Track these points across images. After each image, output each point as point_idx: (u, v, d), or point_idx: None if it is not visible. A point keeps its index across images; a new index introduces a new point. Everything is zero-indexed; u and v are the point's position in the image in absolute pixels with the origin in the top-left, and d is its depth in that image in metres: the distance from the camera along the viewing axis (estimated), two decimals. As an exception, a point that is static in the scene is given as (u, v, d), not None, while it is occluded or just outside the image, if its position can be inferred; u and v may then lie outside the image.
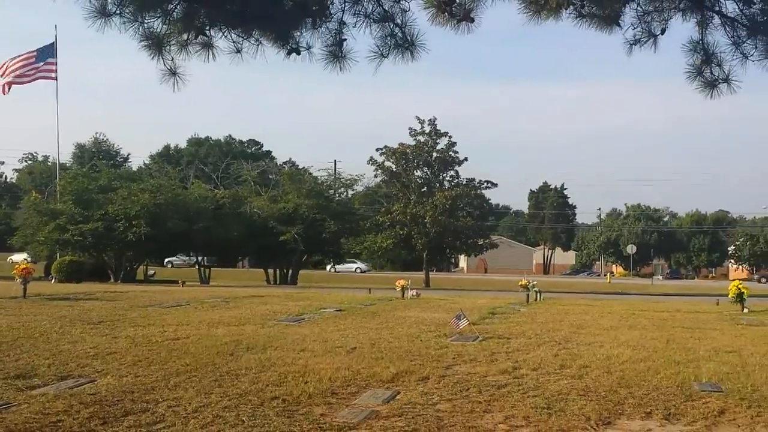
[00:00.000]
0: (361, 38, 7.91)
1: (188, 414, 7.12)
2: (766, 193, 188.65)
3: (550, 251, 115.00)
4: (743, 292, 22.21)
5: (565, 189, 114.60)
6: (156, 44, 7.58)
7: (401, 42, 8.10)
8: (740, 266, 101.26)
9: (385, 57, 8.10)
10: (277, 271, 50.65)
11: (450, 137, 49.34)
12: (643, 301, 28.02)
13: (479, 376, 9.56)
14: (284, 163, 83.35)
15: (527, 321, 17.39)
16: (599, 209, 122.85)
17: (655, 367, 10.43)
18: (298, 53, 8.03)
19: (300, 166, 68.47)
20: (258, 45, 7.96)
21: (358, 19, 7.88)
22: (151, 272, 51.92)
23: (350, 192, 57.50)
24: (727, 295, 23.47)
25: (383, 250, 53.50)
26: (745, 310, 21.58)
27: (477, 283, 56.09)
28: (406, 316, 18.15)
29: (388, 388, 8.63)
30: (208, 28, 7.63)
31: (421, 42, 7.99)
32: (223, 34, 7.72)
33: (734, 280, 26.86)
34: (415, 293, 25.96)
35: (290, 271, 50.12)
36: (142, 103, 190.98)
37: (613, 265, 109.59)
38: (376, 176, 52.45)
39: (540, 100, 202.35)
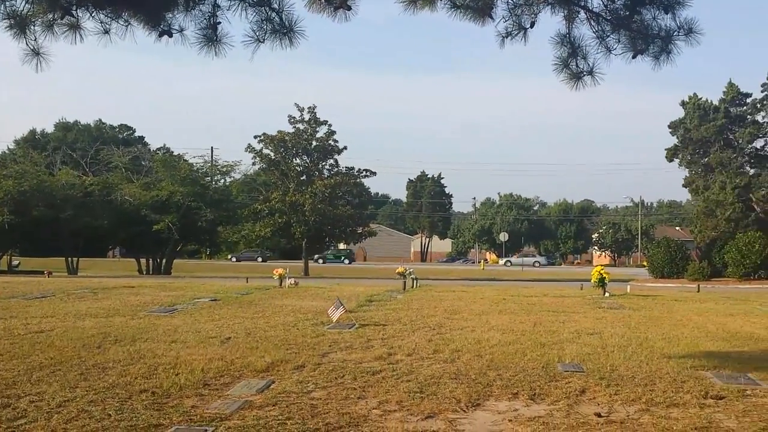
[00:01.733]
0: (237, 23, 7.71)
1: (51, 409, 6.79)
2: (627, 184, 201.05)
3: (427, 239, 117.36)
4: (605, 277, 23.45)
5: (442, 178, 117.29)
6: (19, 24, 7.10)
7: (279, 27, 7.94)
8: (603, 253, 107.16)
9: (262, 42, 7.92)
10: (151, 261, 48.97)
11: (330, 126, 49.26)
12: (513, 287, 29.07)
13: (354, 363, 9.60)
14: (158, 149, 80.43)
15: (403, 308, 17.65)
16: (474, 198, 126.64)
17: (523, 349, 10.83)
18: (170, 36, 7.72)
19: (175, 153, 66.24)
20: (127, 26, 7.60)
21: (233, 2, 7.67)
22: (15, 262, 49.02)
23: (228, 179, 56.35)
24: (590, 280, 24.68)
25: (261, 239, 52.77)
26: (606, 294, 22.81)
27: (356, 271, 56.49)
28: (283, 304, 18.00)
29: (263, 378, 8.51)
30: (74, 8, 7.20)
31: (300, 28, 7.85)
32: (91, 14, 7.31)
33: (596, 265, 28.36)
34: (293, 282, 25.78)
35: (164, 261, 48.58)
36: (4, 85, 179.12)
37: (488, 252, 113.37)
38: (254, 164, 51.65)
39: (420, 90, 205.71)
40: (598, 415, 7.05)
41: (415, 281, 27.20)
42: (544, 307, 18.49)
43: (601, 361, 9.93)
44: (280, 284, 25.28)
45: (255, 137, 48.74)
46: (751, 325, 14.76)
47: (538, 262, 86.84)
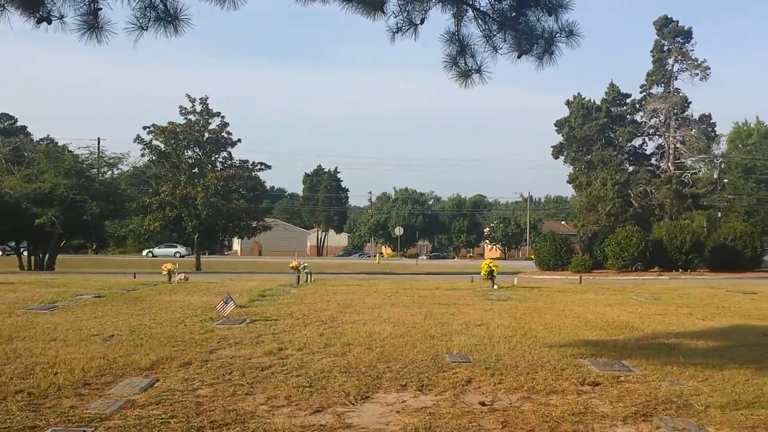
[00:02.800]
0: (120, 9, 7.45)
1: None
2: (517, 180, 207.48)
3: (323, 233, 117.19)
4: (493, 270, 24.15)
5: (339, 173, 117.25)
6: None
7: (163, 15, 7.72)
8: (494, 246, 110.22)
9: (145, 30, 7.68)
10: (33, 257, 46.60)
11: (223, 117, 48.23)
12: (408, 280, 29.46)
13: (243, 358, 9.48)
14: (41, 139, 76.44)
15: (296, 302, 17.56)
16: (370, 193, 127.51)
17: (413, 341, 11.00)
18: (49, 22, 7.37)
19: (59, 144, 63.20)
20: (2, 11, 7.22)
21: (115, -12, 7.41)
22: None
23: (116, 172, 54.31)
24: (480, 273, 25.33)
25: (150, 233, 51.18)
26: (495, 287, 23.48)
27: (250, 265, 55.69)
28: (171, 300, 17.54)
29: (147, 376, 8.27)
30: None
31: (186, 16, 7.66)
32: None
33: (486, 258, 29.15)
34: (182, 277, 25.17)
35: (47, 256, 46.34)
36: None
37: (383, 246, 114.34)
38: (143, 155, 49.95)
39: (315, 84, 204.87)
40: (483, 403, 7.25)
41: (309, 275, 27.10)
42: (436, 299, 18.83)
43: (487, 351, 10.21)
44: (169, 279, 24.63)
45: (144, 128, 47.19)
46: (627, 315, 15.55)
47: (429, 256, 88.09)
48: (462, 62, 8.25)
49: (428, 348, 10.40)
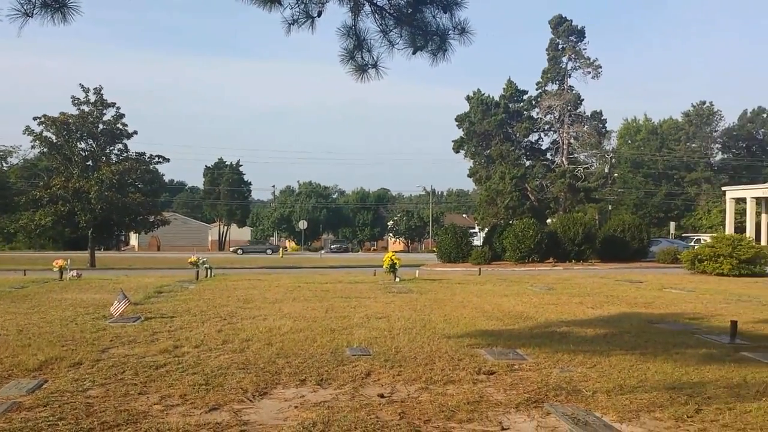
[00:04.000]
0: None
1: None
2: (419, 173, 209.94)
3: (225, 227, 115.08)
4: (395, 263, 24.39)
5: (241, 165, 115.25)
6: None
7: (50, 1, 7.39)
8: (398, 239, 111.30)
9: (30, 17, 7.33)
10: None
11: (118, 108, 46.49)
12: (310, 274, 29.37)
13: (137, 357, 9.21)
14: None
15: (194, 298, 17.21)
16: (274, 186, 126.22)
17: (313, 336, 10.98)
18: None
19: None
20: None
21: (-6, -28, 7.05)
22: None
23: (5, 165, 51.57)
24: (382, 266, 25.53)
25: (42, 229, 48.86)
26: (397, 279, 23.73)
27: (148, 261, 54.09)
28: (62, 298, 16.85)
29: (35, 378, 7.93)
30: None
31: (75, 3, 7.36)
32: None
33: (389, 251, 29.40)
34: (75, 274, 24.20)
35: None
36: None
37: (287, 240, 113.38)
38: (33, 147, 47.61)
39: (217, 75, 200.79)
40: (381, 396, 7.32)
41: (209, 271, 26.61)
42: (338, 293, 18.86)
43: (387, 343, 10.31)
44: (61, 277, 23.64)
45: (34, 119, 44.96)
46: (523, 305, 16.04)
47: (330, 250, 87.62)
48: (359, 56, 8.28)
49: (328, 342, 10.41)
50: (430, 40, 7.92)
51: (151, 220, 49.02)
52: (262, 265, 46.43)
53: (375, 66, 8.29)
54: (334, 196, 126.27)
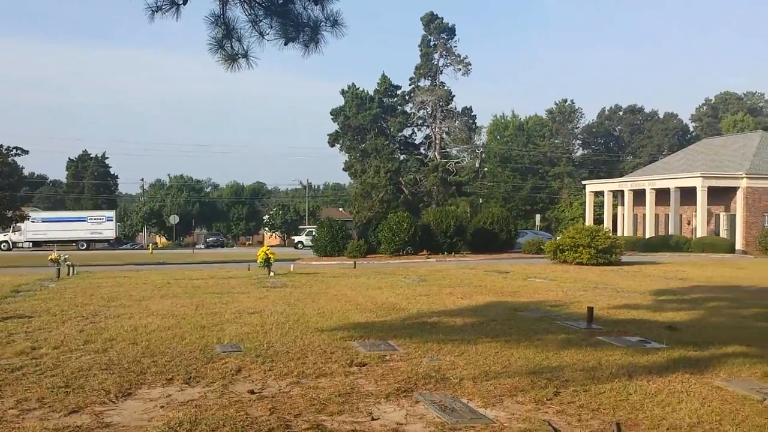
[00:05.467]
0: None
1: None
2: (296, 167, 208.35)
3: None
4: (270, 258, 24.15)
5: (107, 158, 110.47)
6: None
7: None
8: (274, 234, 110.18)
9: None
10: None
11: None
12: (181, 270, 28.57)
13: (-10, 361, 8.65)
14: None
15: (55, 297, 16.34)
16: (142, 180, 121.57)
17: (182, 333, 10.70)
18: None
19: None
20: None
21: None
22: None
23: None
24: (257, 261, 25.20)
25: None
26: (272, 274, 23.51)
27: (4, 259, 50.83)
28: None
29: None
30: None
31: None
32: None
33: (263, 246, 29.04)
34: None
35: None
36: None
37: (157, 236, 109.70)
38: None
39: (80, 64, 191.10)
40: (252, 392, 7.23)
41: (71, 268, 25.34)
42: (210, 289, 18.47)
43: (259, 339, 10.20)
44: None
45: None
46: (396, 297, 16.30)
47: (206, 244, 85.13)
48: (228, 46, 8.11)
49: (198, 339, 10.17)
50: (302, 32, 7.87)
51: (9, 215, 46.17)
52: (130, 262, 44.69)
53: (245, 56, 8.15)
54: (208, 190, 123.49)
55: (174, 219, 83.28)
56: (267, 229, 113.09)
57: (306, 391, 7.21)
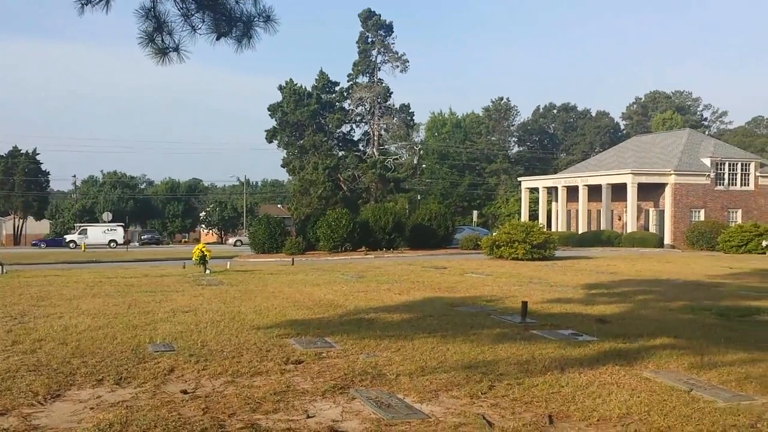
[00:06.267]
0: None
1: None
2: (234, 163, 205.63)
3: (21, 221, 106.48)
4: (206, 255, 23.81)
5: (38, 154, 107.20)
6: None
7: None
8: (211, 231, 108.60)
9: None
10: None
11: None
12: (114, 269, 27.90)
13: None
14: None
15: (-20, 297, 15.76)
16: (74, 176, 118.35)
17: (113, 333, 10.45)
18: None
19: None
20: None
21: None
22: None
23: None
24: (192, 258, 24.82)
25: None
26: (207, 272, 23.18)
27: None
28: None
29: None
30: None
31: None
32: None
33: (199, 243, 28.56)
34: None
35: None
36: None
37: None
38: None
39: (10, 57, 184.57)
40: (185, 392, 7.11)
41: (1, 267, 24.49)
42: (143, 287, 18.09)
43: (193, 338, 10.03)
44: None
45: None
46: (333, 293, 16.27)
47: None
48: (159, 39, 7.94)
49: (130, 339, 9.95)
50: (235, 27, 7.75)
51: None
52: (61, 260, 43.46)
53: (177, 50, 7.99)
54: (142, 187, 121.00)
55: (107, 216, 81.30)
56: (204, 226, 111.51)
57: (241, 390, 7.13)
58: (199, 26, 8.06)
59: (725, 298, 15.91)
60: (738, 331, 10.94)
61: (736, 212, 48.83)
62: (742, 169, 49.44)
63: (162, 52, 8.03)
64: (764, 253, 37.68)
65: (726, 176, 49.01)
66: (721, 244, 41.07)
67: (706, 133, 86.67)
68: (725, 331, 10.89)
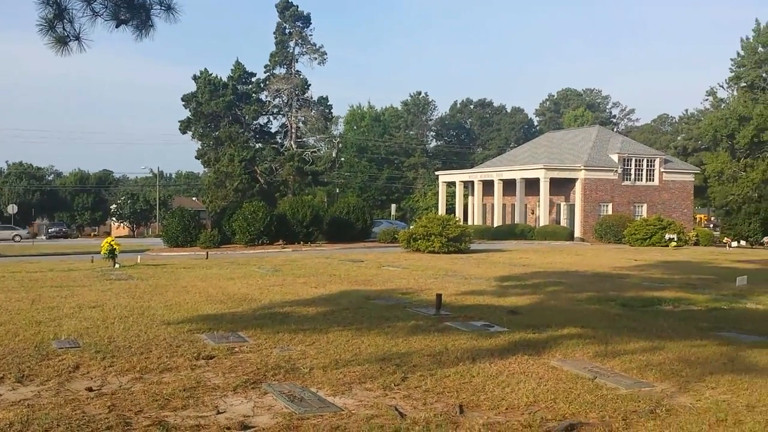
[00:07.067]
0: None
1: None
2: (147, 155, 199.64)
3: None
4: (115, 248, 23.11)
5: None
6: None
7: None
8: (122, 224, 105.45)
9: None
10: None
11: None
12: (15, 263, 26.76)
13: None
14: None
15: None
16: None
17: (15, 329, 10.02)
18: None
19: None
20: None
21: None
22: None
23: None
24: (101, 252, 24.08)
25: None
26: (117, 266, 22.51)
27: None
28: None
29: None
30: None
31: None
32: None
33: (108, 237, 27.67)
34: None
35: None
36: None
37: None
38: None
39: None
40: (90, 389, 6.89)
41: None
42: (48, 282, 17.42)
43: (99, 334, 9.73)
44: None
45: None
46: (248, 287, 16.07)
47: (19, 235, 77.86)
48: (60, 27, 7.62)
49: (32, 335, 9.56)
50: (135, 14, 7.51)
51: None
52: (-40, 255, 41.36)
53: (78, 38, 7.68)
54: (50, 178, 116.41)
55: (12, 209, 77.90)
56: (114, 219, 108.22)
57: (149, 386, 6.95)
58: (101, 12, 7.78)
59: (629, 289, 16.55)
60: (640, 321, 11.41)
61: (641, 206, 50.83)
62: (647, 165, 51.49)
63: (62, 41, 7.71)
64: (667, 246, 39.40)
65: (632, 172, 50.93)
66: (627, 237, 42.68)
67: (615, 130, 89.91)
68: (628, 321, 11.34)
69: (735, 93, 60.66)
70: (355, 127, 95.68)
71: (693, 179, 54.18)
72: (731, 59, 58.16)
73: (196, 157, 59.53)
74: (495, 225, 51.48)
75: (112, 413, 6.06)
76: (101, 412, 6.10)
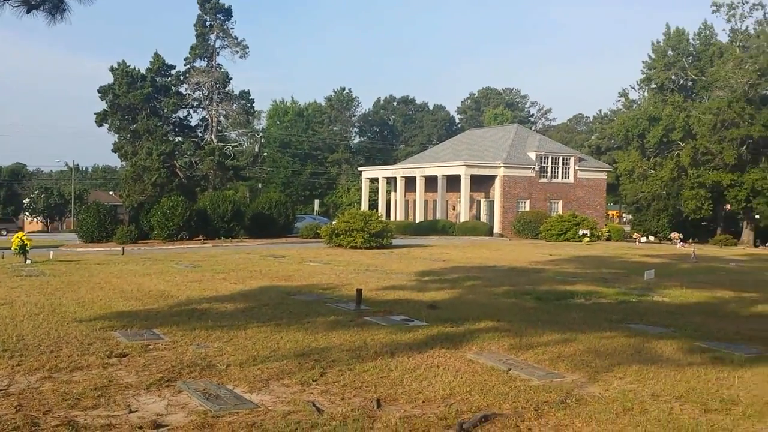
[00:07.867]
0: None
1: None
2: (61, 148, 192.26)
3: None
4: (26, 244, 22.28)
5: None
6: None
7: None
8: (35, 219, 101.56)
9: None
10: None
11: None
12: None
13: None
14: None
15: None
16: None
17: None
18: None
19: None
20: None
21: None
22: None
23: None
24: (11, 248, 23.21)
25: None
26: (28, 262, 21.70)
27: None
28: None
29: None
30: None
31: None
32: None
33: (19, 232, 26.60)
34: None
35: None
36: None
37: None
38: None
39: None
40: (-6, 390, 6.63)
41: None
42: (-48, 280, 16.63)
43: (8, 332, 9.38)
44: None
45: None
46: (165, 284, 15.74)
47: None
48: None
49: (-67, 335, 9.12)
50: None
51: None
52: None
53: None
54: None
55: None
56: (27, 213, 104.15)
57: (58, 385, 6.74)
58: (11, -3, 7.48)
59: (544, 283, 17.03)
60: (553, 314, 11.76)
61: (557, 203, 52.22)
62: (563, 163, 52.93)
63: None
64: (581, 241, 40.66)
65: (549, 169, 52.27)
66: (544, 233, 43.82)
67: (533, 128, 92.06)
68: (542, 314, 11.68)
69: (646, 94, 62.91)
70: (278, 122, 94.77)
71: (606, 177, 56.00)
72: (643, 62, 60.33)
73: (113, 151, 57.76)
74: (417, 221, 51.93)
75: (19, 413, 5.86)
76: (7, 412, 5.89)
